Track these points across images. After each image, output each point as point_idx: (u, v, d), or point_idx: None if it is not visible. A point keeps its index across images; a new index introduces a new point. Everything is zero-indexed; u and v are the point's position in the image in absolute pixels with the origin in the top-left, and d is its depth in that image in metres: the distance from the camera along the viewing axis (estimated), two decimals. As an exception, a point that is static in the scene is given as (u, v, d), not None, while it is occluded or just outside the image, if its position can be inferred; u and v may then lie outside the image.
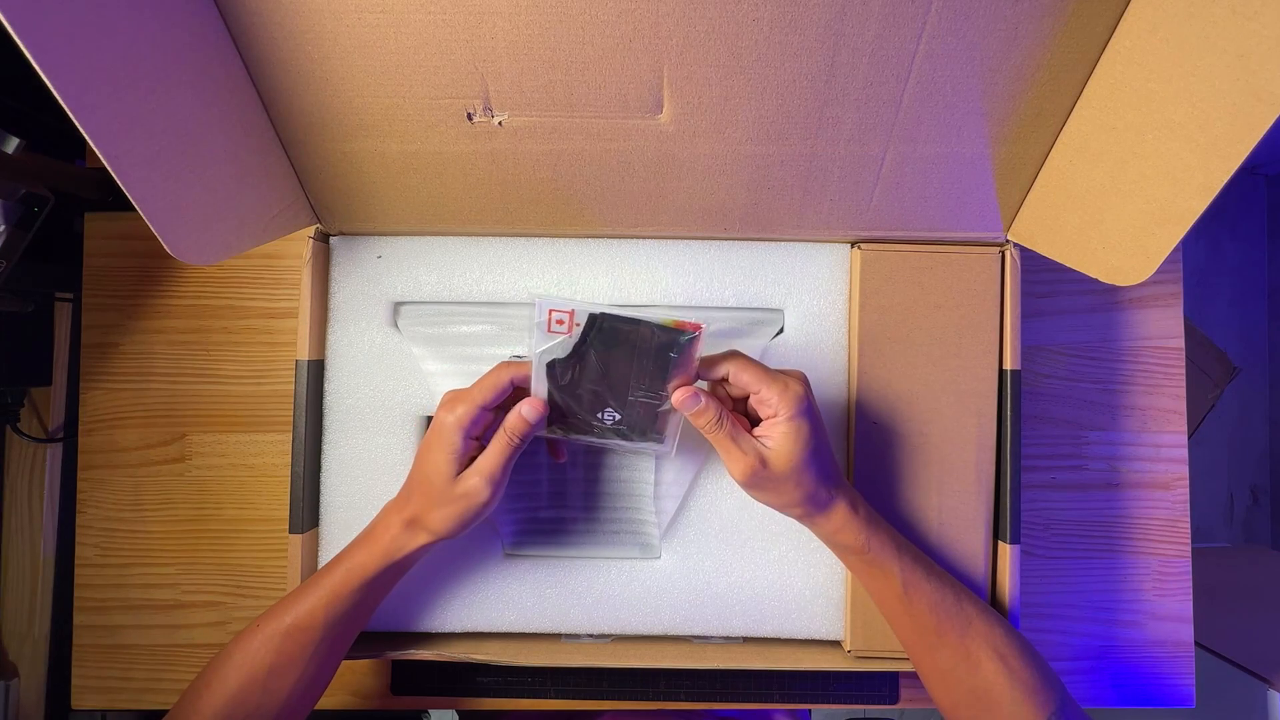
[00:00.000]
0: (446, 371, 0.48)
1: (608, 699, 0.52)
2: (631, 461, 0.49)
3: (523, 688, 0.52)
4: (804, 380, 0.40)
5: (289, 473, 0.47)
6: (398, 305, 0.49)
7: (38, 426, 0.58)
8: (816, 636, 0.48)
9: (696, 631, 0.48)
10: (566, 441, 0.43)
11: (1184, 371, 0.55)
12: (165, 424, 0.54)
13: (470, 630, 0.48)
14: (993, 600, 0.47)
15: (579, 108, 0.39)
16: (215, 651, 0.41)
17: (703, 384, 0.41)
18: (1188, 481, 0.54)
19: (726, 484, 0.49)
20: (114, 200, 0.55)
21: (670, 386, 0.40)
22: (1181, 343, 0.55)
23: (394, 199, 0.45)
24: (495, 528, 0.48)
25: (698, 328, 0.39)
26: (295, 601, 0.41)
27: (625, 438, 0.42)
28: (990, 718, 0.39)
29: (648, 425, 0.41)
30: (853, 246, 0.48)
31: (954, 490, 0.47)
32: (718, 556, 0.48)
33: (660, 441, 0.42)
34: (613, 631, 0.48)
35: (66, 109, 0.28)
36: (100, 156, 0.31)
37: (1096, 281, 0.41)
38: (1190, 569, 0.54)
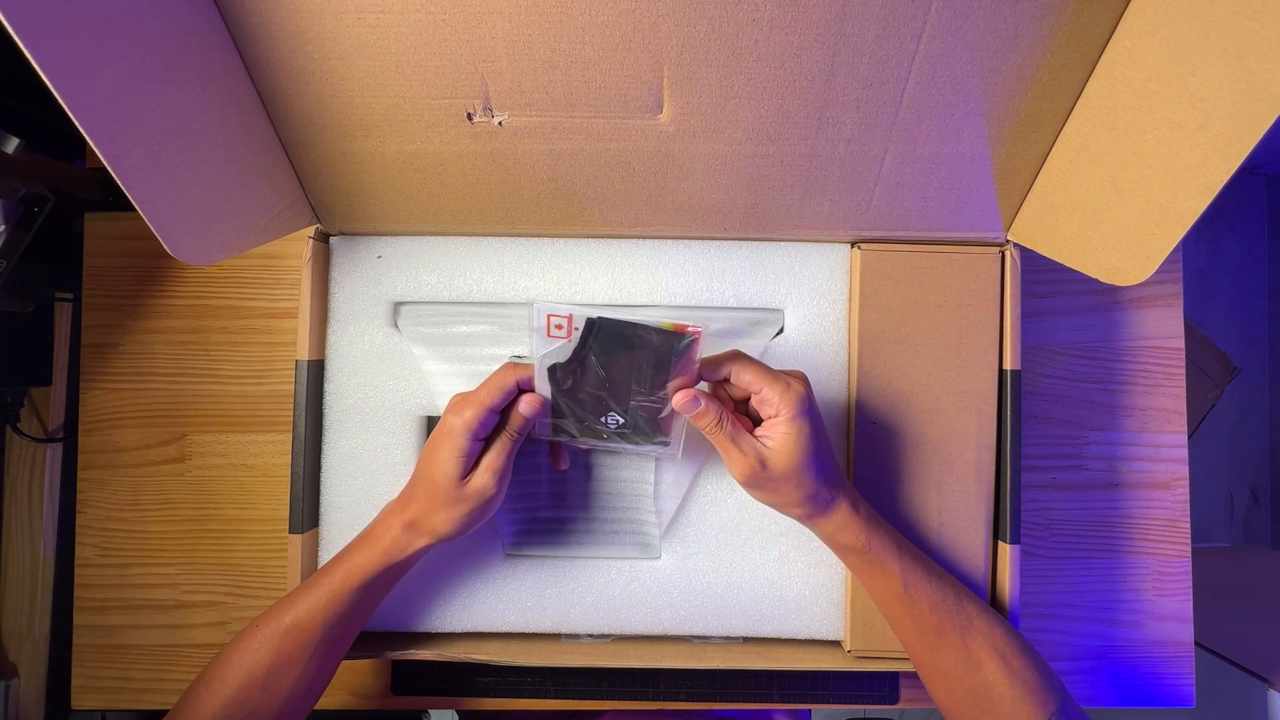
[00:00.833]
0: (446, 371, 0.48)
1: (608, 699, 0.52)
2: (631, 461, 0.49)
3: (523, 688, 0.52)
4: (805, 380, 0.40)
5: (289, 473, 0.47)
6: (398, 305, 0.49)
7: (38, 426, 0.58)
8: (816, 636, 0.48)
9: (696, 631, 0.48)
10: (570, 446, 0.43)
11: (1184, 371, 0.55)
12: (165, 424, 0.54)
13: (470, 630, 0.48)
14: (993, 600, 0.47)
15: (579, 108, 0.39)
16: (215, 651, 0.41)
17: (704, 385, 0.41)
18: (1188, 481, 0.54)
19: (726, 484, 0.49)
20: (114, 200, 0.55)
21: (670, 388, 0.40)
22: (1181, 343, 0.55)
23: (394, 199, 0.45)
24: (495, 528, 0.48)
25: (697, 331, 0.39)
26: (294, 601, 0.41)
27: (630, 440, 0.42)
28: (991, 717, 0.39)
29: (651, 428, 0.41)
30: (853, 246, 0.48)
31: (954, 490, 0.47)
32: (718, 556, 0.48)
33: (666, 444, 0.42)
34: (613, 631, 0.48)
35: (66, 109, 0.28)
36: (100, 156, 0.31)
37: (1096, 281, 0.41)
38: (1190, 569, 0.54)
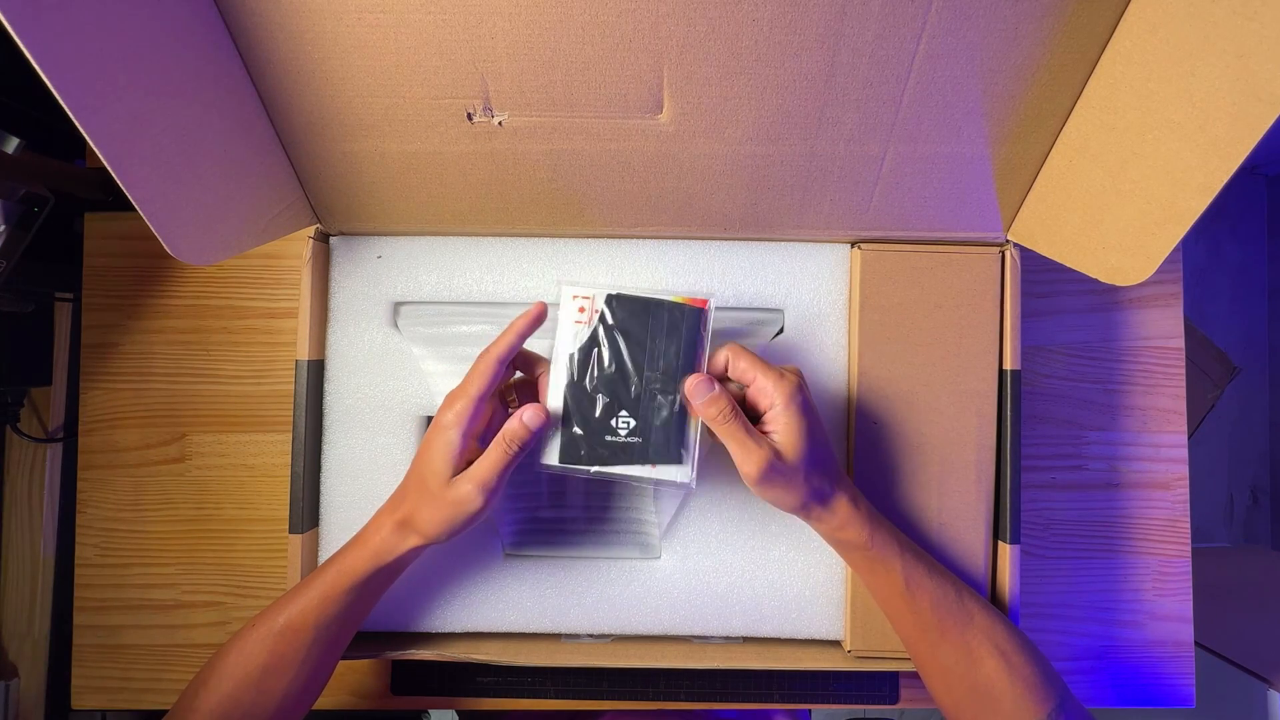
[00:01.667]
0: (446, 371, 0.48)
1: (608, 699, 0.52)
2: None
3: (523, 688, 0.52)
4: (799, 374, 0.40)
5: (289, 473, 0.47)
6: (398, 305, 0.49)
7: (38, 426, 0.58)
8: (816, 636, 0.48)
9: (696, 631, 0.48)
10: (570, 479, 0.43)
11: (1184, 371, 0.55)
12: (165, 424, 0.54)
13: (470, 630, 0.48)
14: (992, 600, 0.47)
15: (579, 108, 0.39)
16: (215, 651, 0.41)
17: None
18: (1188, 481, 0.54)
19: (726, 484, 0.49)
20: (114, 200, 0.55)
21: (683, 377, 0.40)
22: (1181, 343, 0.55)
23: (394, 199, 0.45)
24: (495, 528, 0.48)
25: (704, 303, 0.40)
26: (288, 602, 0.41)
27: (643, 458, 0.40)
28: (991, 714, 0.39)
29: (664, 437, 0.40)
30: (853, 246, 0.48)
31: (954, 490, 0.47)
32: (718, 556, 0.48)
33: (680, 461, 0.40)
34: (613, 631, 0.48)
35: (66, 109, 0.28)
36: (100, 156, 0.31)
37: (1096, 281, 0.41)
38: (1190, 569, 0.54)
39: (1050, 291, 0.55)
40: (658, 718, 0.55)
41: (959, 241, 0.47)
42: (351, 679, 0.53)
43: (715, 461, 0.48)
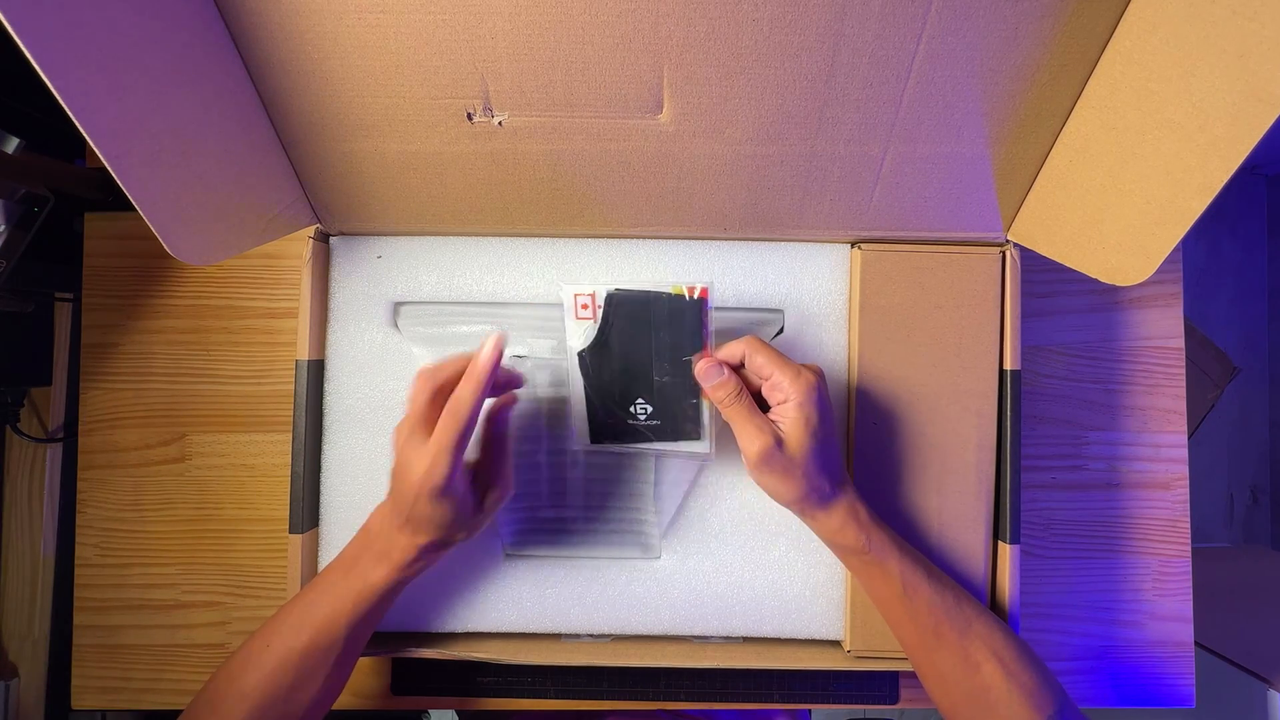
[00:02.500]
0: (446, 371, 0.48)
1: (608, 699, 0.52)
2: (632, 461, 0.49)
3: (523, 688, 0.52)
4: (819, 373, 0.41)
5: (289, 473, 0.47)
6: (398, 305, 0.49)
7: (38, 426, 0.58)
8: (816, 636, 0.48)
9: (696, 631, 0.48)
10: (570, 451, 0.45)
11: (1184, 371, 0.55)
12: (165, 424, 0.54)
13: (470, 630, 0.48)
14: (992, 600, 0.47)
15: (579, 108, 0.39)
16: (215, 651, 0.41)
17: None
18: (1188, 481, 0.54)
19: (726, 484, 0.49)
20: (114, 200, 0.55)
21: (693, 359, 0.42)
22: (1181, 343, 0.55)
23: (394, 199, 0.45)
24: (495, 528, 0.48)
25: (704, 291, 0.41)
26: (307, 618, 0.40)
27: (663, 437, 0.43)
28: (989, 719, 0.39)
29: (680, 418, 0.43)
30: (853, 246, 0.48)
31: (954, 490, 0.47)
32: (718, 556, 0.48)
33: (698, 438, 0.43)
34: (613, 631, 0.48)
35: (66, 109, 0.28)
36: (100, 156, 0.31)
37: (1096, 281, 0.41)
38: (1190, 569, 0.54)
39: (1050, 291, 0.55)
40: (658, 718, 0.55)
41: (959, 241, 0.47)
42: (352, 679, 0.52)
43: (716, 461, 0.48)
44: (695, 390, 0.43)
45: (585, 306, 0.42)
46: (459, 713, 0.66)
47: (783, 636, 0.48)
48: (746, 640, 0.49)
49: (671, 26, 0.35)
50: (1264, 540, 1.48)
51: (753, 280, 0.49)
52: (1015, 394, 0.47)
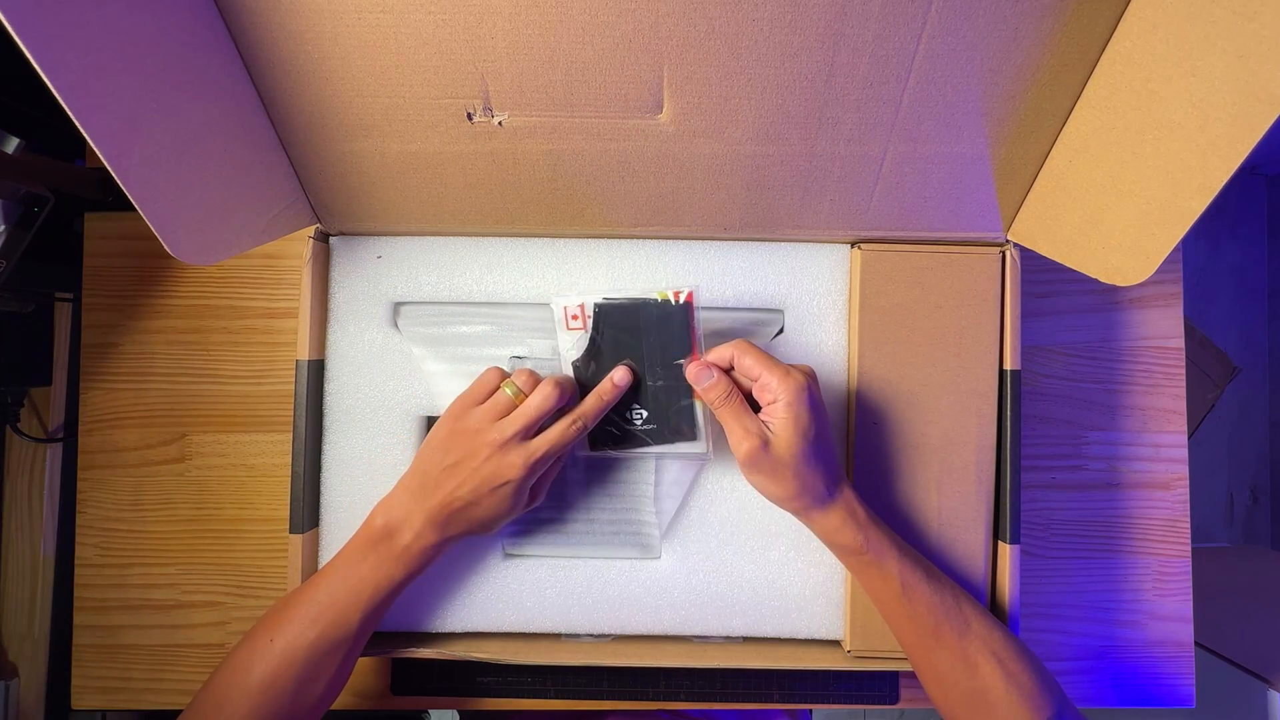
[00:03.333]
0: (446, 371, 0.48)
1: (608, 699, 0.52)
2: (632, 461, 0.49)
3: (523, 688, 0.52)
4: (810, 374, 0.41)
5: (289, 473, 0.47)
6: (398, 305, 0.49)
7: (38, 426, 0.58)
8: (816, 636, 0.48)
9: (696, 631, 0.48)
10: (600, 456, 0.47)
11: (1184, 371, 0.55)
12: (165, 424, 0.54)
13: (470, 630, 0.48)
14: (992, 600, 0.47)
15: (579, 108, 0.39)
16: (215, 651, 0.41)
17: None
18: (1188, 481, 0.54)
19: (726, 484, 0.49)
20: (114, 200, 0.55)
21: (683, 363, 0.42)
22: (1181, 343, 0.55)
23: (394, 199, 0.45)
24: (495, 528, 0.48)
25: (689, 294, 0.42)
26: (317, 613, 0.40)
27: (660, 440, 0.44)
28: None
29: (676, 421, 0.44)
30: (853, 246, 0.48)
31: (954, 490, 0.47)
32: (718, 556, 0.48)
33: (694, 438, 0.44)
34: (613, 631, 0.48)
35: (66, 109, 0.28)
36: (100, 156, 0.31)
37: (1096, 281, 0.41)
38: (1190, 569, 0.54)
39: (1050, 291, 0.55)
40: (658, 718, 0.55)
41: (959, 241, 0.47)
42: (352, 679, 0.52)
43: (716, 461, 0.48)
44: (688, 392, 0.43)
45: (575, 317, 0.43)
46: (459, 713, 0.66)
47: (783, 636, 0.48)
48: (746, 640, 0.48)
49: (671, 26, 0.35)
50: (1264, 540, 1.48)
51: (753, 280, 0.49)
52: (1015, 394, 0.47)
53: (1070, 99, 0.39)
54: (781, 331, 0.49)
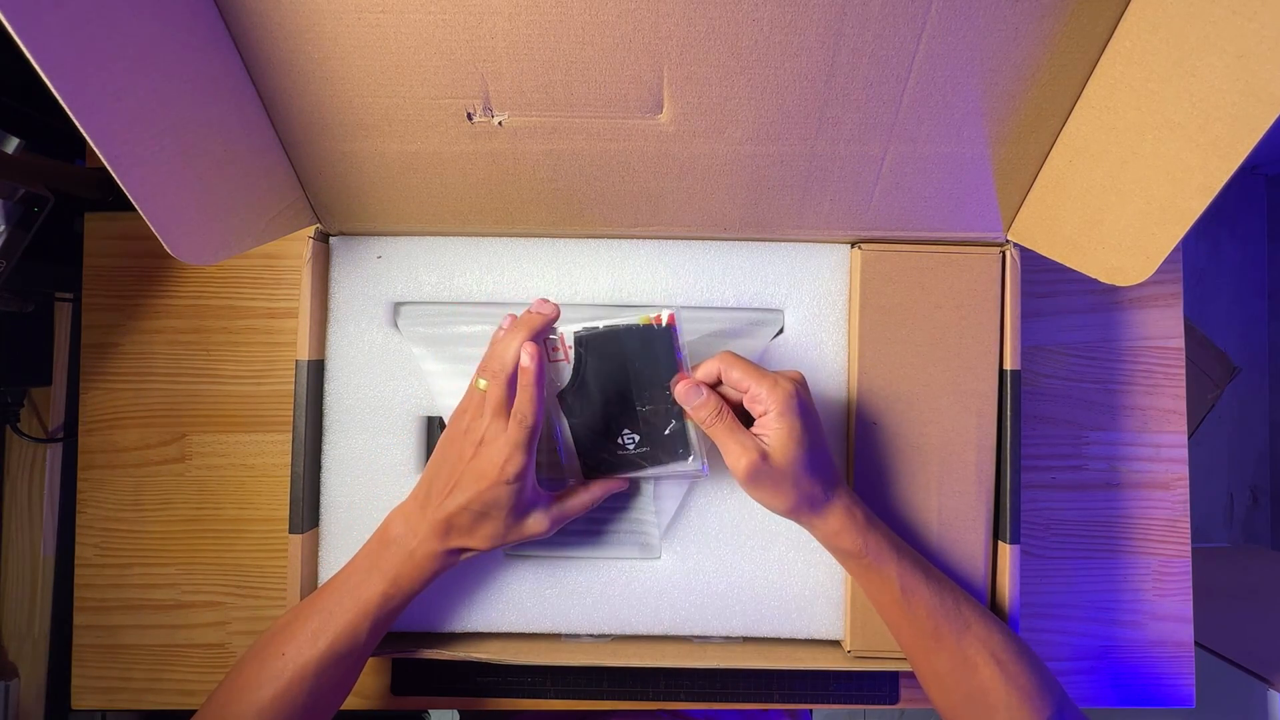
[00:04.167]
0: (446, 371, 0.48)
1: (608, 699, 0.52)
2: (631, 461, 0.49)
3: (523, 688, 0.52)
4: (798, 380, 0.40)
5: (289, 473, 0.47)
6: (398, 305, 0.49)
7: (38, 426, 0.58)
8: (816, 636, 0.48)
9: (696, 631, 0.48)
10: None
11: (1184, 371, 0.55)
12: (165, 424, 0.54)
13: (470, 630, 0.48)
14: (992, 600, 0.47)
15: (579, 108, 0.39)
16: (215, 651, 0.41)
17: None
18: (1188, 481, 0.54)
19: (727, 484, 0.49)
20: (114, 200, 0.55)
21: (670, 384, 0.41)
22: (1181, 343, 0.55)
23: (394, 199, 0.45)
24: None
25: (670, 319, 0.41)
26: (324, 626, 0.40)
27: (655, 462, 0.43)
28: None
29: (669, 443, 0.43)
30: (853, 246, 0.48)
31: (954, 490, 0.47)
32: (718, 556, 0.48)
33: (687, 458, 0.43)
34: (613, 631, 0.48)
35: (66, 109, 0.28)
36: (100, 156, 0.31)
37: (1096, 281, 0.41)
38: (1190, 569, 0.54)
39: (1050, 291, 0.55)
40: (658, 718, 0.55)
41: (959, 241, 0.47)
42: (351, 679, 0.53)
43: (715, 463, 0.48)
44: (678, 412, 0.42)
45: (556, 349, 0.42)
46: (459, 713, 0.66)
47: (783, 636, 0.48)
48: (746, 640, 0.49)
49: (671, 26, 0.35)
50: (1264, 540, 1.48)
51: (752, 280, 0.49)
52: (1015, 394, 0.47)
53: (1070, 99, 0.39)
54: (781, 332, 0.49)
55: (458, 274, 0.49)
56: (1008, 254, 0.47)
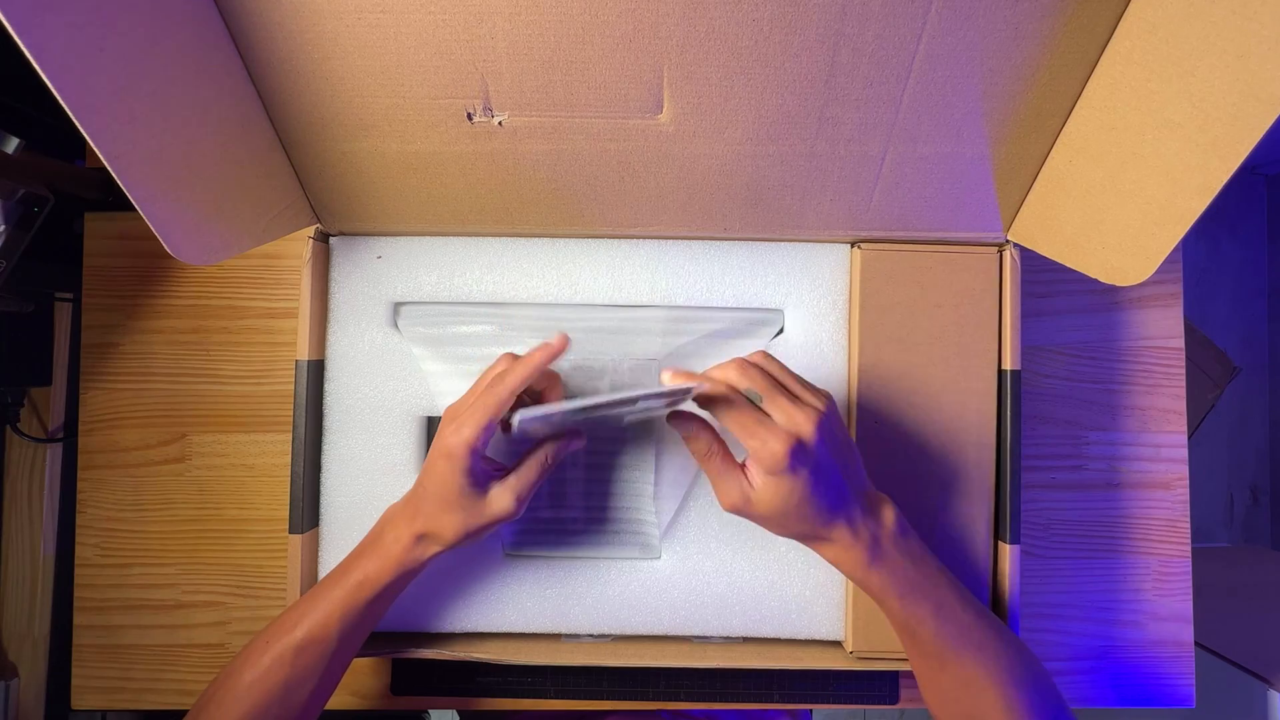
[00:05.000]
0: (446, 372, 0.48)
1: (608, 699, 0.52)
2: (632, 461, 0.49)
3: (523, 688, 0.52)
4: (809, 423, 0.36)
5: (289, 473, 0.47)
6: (398, 305, 0.49)
7: (38, 426, 0.58)
8: (817, 636, 0.48)
9: (696, 631, 0.48)
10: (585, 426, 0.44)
11: (1184, 371, 0.55)
12: (165, 424, 0.54)
13: (470, 630, 0.48)
14: (993, 600, 0.47)
15: (579, 108, 0.39)
16: (215, 651, 0.41)
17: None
18: (1188, 481, 0.54)
19: (726, 484, 0.49)
20: (114, 200, 0.55)
21: (665, 415, 0.40)
22: (1181, 343, 0.55)
23: (394, 199, 0.45)
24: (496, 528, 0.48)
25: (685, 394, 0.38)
26: (304, 615, 0.40)
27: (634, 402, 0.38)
28: None
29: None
30: (853, 246, 0.48)
31: (954, 490, 0.47)
32: (718, 556, 0.48)
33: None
34: (613, 631, 0.48)
35: (66, 109, 0.28)
36: (100, 156, 0.31)
37: (1096, 281, 0.41)
38: (1190, 569, 0.53)
39: (1050, 291, 0.55)
40: (658, 717, 0.55)
41: (959, 241, 0.47)
42: (351, 679, 0.52)
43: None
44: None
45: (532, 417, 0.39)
46: (459, 713, 0.66)
47: (783, 637, 0.48)
48: (746, 640, 0.49)
49: (671, 26, 0.35)
50: (1264, 540, 1.48)
51: (752, 280, 0.49)
52: (1015, 394, 0.47)
53: (1070, 99, 0.39)
54: (781, 331, 0.49)
55: (458, 274, 0.49)
56: (1007, 254, 0.47)
